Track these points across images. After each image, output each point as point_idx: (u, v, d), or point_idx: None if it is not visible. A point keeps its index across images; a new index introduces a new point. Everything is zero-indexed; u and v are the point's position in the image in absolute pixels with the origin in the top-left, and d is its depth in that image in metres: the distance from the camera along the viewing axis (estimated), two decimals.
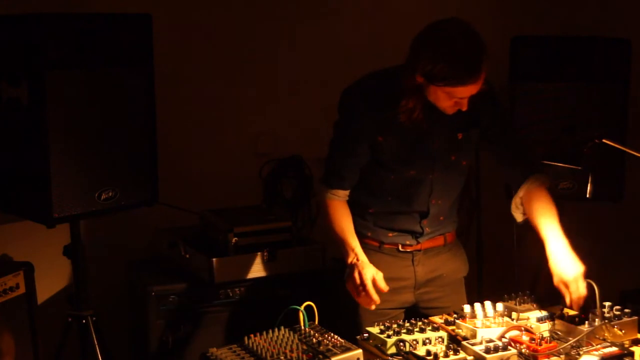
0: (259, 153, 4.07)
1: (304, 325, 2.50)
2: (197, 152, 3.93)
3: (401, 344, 2.45)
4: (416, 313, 2.85)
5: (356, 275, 2.65)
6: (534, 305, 2.75)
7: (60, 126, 2.86)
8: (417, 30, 2.57)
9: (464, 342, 2.44)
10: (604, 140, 2.77)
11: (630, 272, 4.32)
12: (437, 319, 2.69)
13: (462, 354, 2.38)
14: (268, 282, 3.49)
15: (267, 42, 4.03)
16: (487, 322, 2.57)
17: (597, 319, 2.55)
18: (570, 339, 2.48)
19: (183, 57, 3.81)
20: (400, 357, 2.42)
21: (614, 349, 2.41)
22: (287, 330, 2.46)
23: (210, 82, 3.94)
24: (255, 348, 2.35)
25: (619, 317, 2.58)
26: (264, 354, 2.31)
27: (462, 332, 2.57)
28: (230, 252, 3.44)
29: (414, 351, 2.42)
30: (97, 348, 3.17)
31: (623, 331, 2.55)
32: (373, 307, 2.64)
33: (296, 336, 2.43)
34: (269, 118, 4.08)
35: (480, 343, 2.41)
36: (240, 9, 3.97)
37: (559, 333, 2.56)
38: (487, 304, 2.67)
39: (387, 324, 2.55)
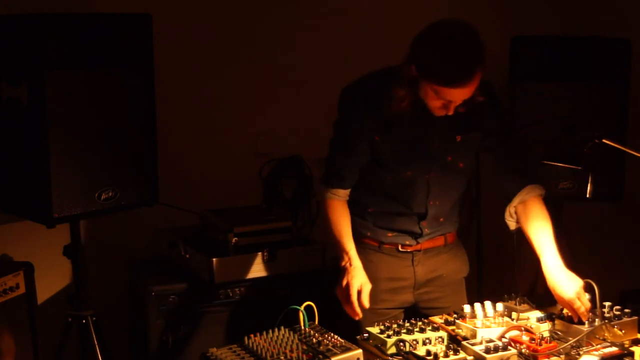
0: (259, 153, 4.07)
1: (304, 325, 2.50)
2: (197, 152, 3.93)
3: (401, 344, 2.45)
4: (416, 313, 2.85)
5: (344, 283, 2.64)
6: (533, 305, 2.75)
7: (60, 126, 2.86)
8: (417, 30, 2.57)
9: (464, 342, 2.44)
10: (604, 140, 2.77)
11: (630, 272, 4.32)
12: (437, 319, 2.70)
13: (462, 354, 2.39)
14: (268, 282, 3.48)
15: (267, 42, 4.02)
16: (487, 322, 2.57)
17: (597, 319, 2.55)
18: (570, 339, 2.48)
19: (183, 57, 3.81)
20: (400, 357, 2.42)
21: (614, 349, 2.42)
22: (287, 330, 2.46)
23: (210, 82, 3.94)
24: (255, 348, 2.35)
25: (619, 317, 2.58)
26: (264, 354, 2.31)
27: (462, 332, 2.57)
28: (230, 252, 3.44)
29: (414, 351, 2.42)
30: (97, 348, 3.17)
31: (623, 331, 2.55)
32: (357, 318, 2.62)
33: (296, 336, 2.43)
34: (269, 118, 4.08)
35: (480, 343, 2.41)
36: (240, 9, 3.97)
37: (559, 333, 2.56)
38: (487, 304, 2.68)
39: (387, 324, 2.55)
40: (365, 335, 2.56)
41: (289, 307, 2.51)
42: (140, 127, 3.12)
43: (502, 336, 2.49)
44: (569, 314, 2.61)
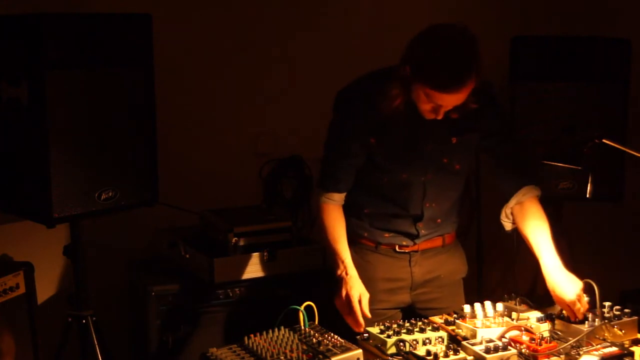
0: (259, 153, 4.07)
1: (304, 325, 2.50)
2: (197, 152, 3.93)
3: (401, 344, 2.45)
4: (413, 314, 2.84)
5: (343, 293, 2.64)
6: (533, 305, 2.75)
7: (60, 126, 2.86)
8: (418, 30, 2.57)
9: (464, 342, 2.44)
10: (604, 140, 2.77)
11: (630, 272, 4.32)
12: (437, 319, 2.69)
13: (462, 354, 2.39)
14: (268, 282, 3.48)
15: (267, 42, 4.02)
16: (487, 322, 2.57)
17: (597, 319, 2.55)
18: (570, 339, 2.48)
19: (183, 57, 3.81)
20: (400, 357, 2.42)
21: (614, 349, 2.42)
22: (287, 330, 2.46)
23: (210, 82, 3.94)
24: (255, 348, 2.35)
25: (619, 317, 2.58)
26: (264, 354, 2.31)
27: (462, 332, 2.57)
28: (230, 252, 3.44)
29: (414, 351, 2.42)
30: (97, 348, 3.17)
31: (623, 331, 2.55)
32: (359, 329, 2.59)
33: (296, 336, 2.43)
34: (269, 118, 4.08)
35: (480, 343, 2.41)
36: (240, 9, 3.97)
37: (559, 333, 2.57)
38: (487, 304, 2.68)
39: (387, 324, 2.55)
40: (365, 335, 2.56)
41: (289, 307, 2.51)
42: (140, 127, 3.12)
43: (502, 336, 2.49)
44: (568, 314, 2.61)
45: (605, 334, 2.52)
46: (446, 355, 2.37)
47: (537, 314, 2.71)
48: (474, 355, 2.38)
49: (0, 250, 3.33)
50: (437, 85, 2.49)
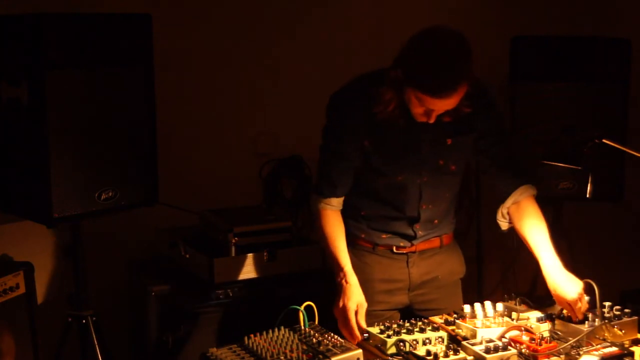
0: (259, 153, 4.07)
1: (304, 325, 2.50)
2: (196, 152, 3.93)
3: (401, 344, 2.45)
4: (410, 315, 2.83)
5: (340, 304, 2.62)
6: (533, 305, 2.75)
7: (60, 126, 2.86)
8: (417, 30, 2.57)
9: (464, 342, 2.44)
10: (604, 140, 2.77)
11: (630, 272, 4.32)
12: (437, 319, 2.69)
13: (462, 354, 2.39)
14: (268, 282, 3.48)
15: (267, 42, 4.02)
16: (487, 322, 2.57)
17: (597, 319, 2.55)
18: (570, 339, 2.48)
19: (183, 57, 3.81)
20: (400, 357, 2.42)
21: (614, 349, 2.42)
22: (287, 330, 2.46)
23: (210, 82, 3.94)
24: (255, 348, 2.35)
25: (619, 317, 2.58)
26: (264, 354, 2.31)
27: (462, 332, 2.57)
28: (230, 252, 3.44)
29: (414, 351, 2.42)
30: (97, 348, 3.17)
31: (623, 331, 2.55)
32: (355, 342, 2.56)
33: (296, 336, 2.43)
34: (269, 118, 4.08)
35: (480, 343, 2.41)
36: (240, 9, 3.97)
37: (559, 333, 2.57)
38: (487, 304, 2.68)
39: (387, 324, 2.55)
40: (365, 335, 2.56)
41: (289, 307, 2.51)
42: (140, 127, 3.12)
43: (502, 336, 2.49)
44: (568, 314, 2.61)
45: (605, 334, 2.52)
46: (446, 355, 2.37)
47: (537, 314, 2.71)
48: (474, 355, 2.38)
49: (0, 250, 3.33)
50: (428, 91, 2.48)
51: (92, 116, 2.95)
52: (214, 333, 3.39)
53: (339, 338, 2.42)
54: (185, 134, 3.88)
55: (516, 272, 4.10)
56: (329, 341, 2.39)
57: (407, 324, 2.56)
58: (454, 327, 2.61)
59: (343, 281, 2.66)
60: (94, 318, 3.20)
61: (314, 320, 2.53)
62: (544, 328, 2.61)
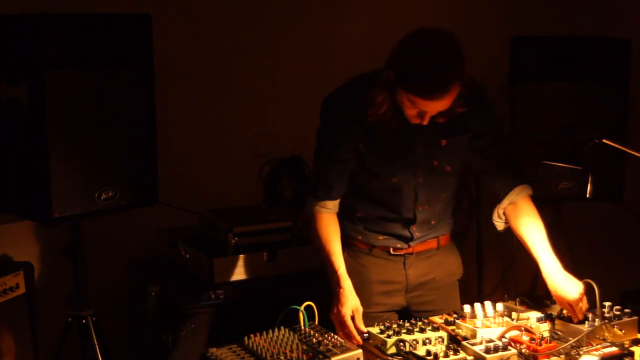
0: (259, 153, 4.07)
1: (304, 325, 2.50)
2: (197, 152, 3.93)
3: (401, 344, 2.45)
4: (408, 316, 2.82)
5: (335, 310, 2.61)
6: (533, 306, 2.75)
7: (60, 126, 2.86)
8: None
9: (464, 342, 2.44)
10: (604, 140, 2.77)
11: (630, 272, 4.32)
12: (437, 319, 2.69)
13: (462, 354, 2.38)
14: (268, 282, 3.48)
15: (267, 42, 4.02)
16: (487, 322, 2.57)
17: (597, 319, 2.55)
18: (570, 339, 2.48)
19: (183, 57, 3.81)
20: (400, 357, 2.42)
21: (614, 349, 2.42)
22: (287, 330, 2.46)
23: (210, 82, 3.94)
24: (255, 348, 2.35)
25: (619, 317, 2.58)
26: (264, 354, 2.31)
27: (462, 332, 2.57)
28: (230, 252, 3.44)
29: (414, 351, 2.42)
30: (97, 348, 3.17)
31: (623, 331, 2.55)
32: (356, 344, 2.54)
33: (296, 336, 2.43)
34: (269, 118, 4.08)
35: (480, 343, 2.41)
36: (240, 9, 3.97)
37: (559, 333, 2.56)
38: (487, 304, 2.67)
39: (387, 324, 2.55)
40: (365, 335, 2.56)
41: (289, 307, 2.51)
42: (140, 127, 3.12)
43: (502, 336, 2.49)
44: (569, 314, 2.61)
45: (605, 334, 2.52)
46: (446, 355, 2.37)
47: (537, 314, 2.70)
48: (474, 355, 2.38)
49: (0, 250, 3.33)
50: (420, 93, 2.47)
51: (92, 116, 2.96)
52: (213, 333, 3.39)
53: (339, 338, 2.42)
54: (185, 134, 3.88)
55: (516, 272, 4.10)
56: (329, 341, 2.39)
57: (407, 324, 2.56)
58: (454, 327, 2.61)
59: (337, 287, 2.65)
60: (94, 318, 3.20)
61: (314, 320, 2.53)
62: (544, 328, 2.61)
